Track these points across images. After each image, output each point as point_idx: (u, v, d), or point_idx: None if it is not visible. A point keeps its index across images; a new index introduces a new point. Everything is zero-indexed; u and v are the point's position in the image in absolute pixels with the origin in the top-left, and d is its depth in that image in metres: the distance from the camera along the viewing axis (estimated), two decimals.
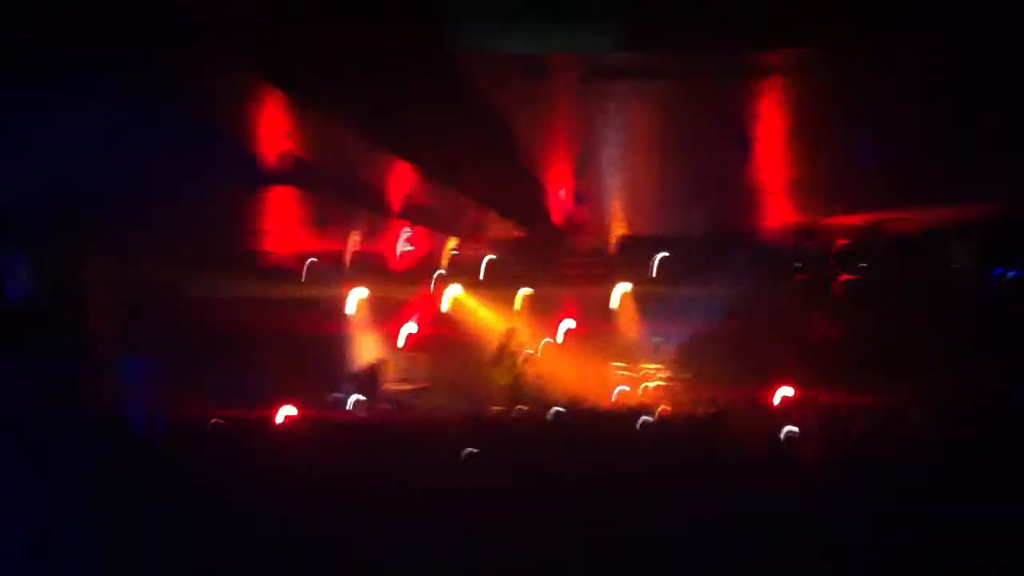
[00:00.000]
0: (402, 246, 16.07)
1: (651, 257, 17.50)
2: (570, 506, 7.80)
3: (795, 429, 10.22)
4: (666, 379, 17.34)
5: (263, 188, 10.46)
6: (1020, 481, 7.45)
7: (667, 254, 17.48)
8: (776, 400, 13.14)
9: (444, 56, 5.98)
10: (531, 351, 18.00)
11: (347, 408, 15.86)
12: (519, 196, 12.02)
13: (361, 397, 16.61)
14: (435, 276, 17.70)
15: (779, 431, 10.21)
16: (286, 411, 13.78)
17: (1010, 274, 14.88)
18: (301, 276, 17.03)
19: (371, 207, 11.76)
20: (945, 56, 6.49)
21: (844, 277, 15.64)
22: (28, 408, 9.89)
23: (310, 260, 17.11)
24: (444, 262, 17.78)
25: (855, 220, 14.80)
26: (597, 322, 18.59)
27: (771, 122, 8.44)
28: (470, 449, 9.53)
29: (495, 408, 12.13)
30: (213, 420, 12.31)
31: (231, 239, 14.78)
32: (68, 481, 8.19)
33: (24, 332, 11.15)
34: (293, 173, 9.45)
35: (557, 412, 11.74)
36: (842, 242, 15.38)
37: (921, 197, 12.71)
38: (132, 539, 7.60)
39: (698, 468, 8.48)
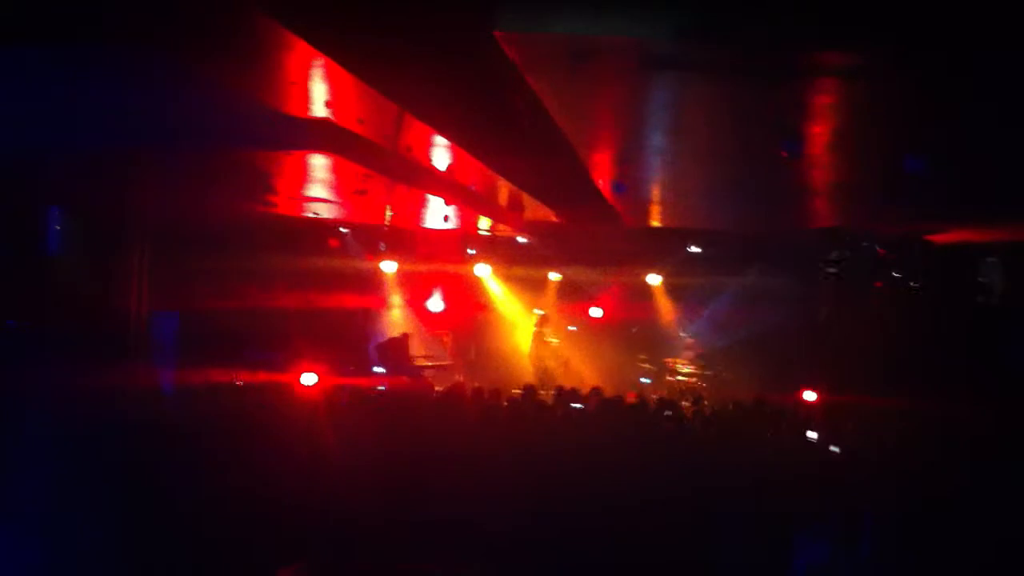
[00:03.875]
0: (436, 222, 16.01)
1: (685, 250, 17.35)
2: (583, 496, 7.71)
3: (815, 435, 10.08)
4: (690, 375, 17.23)
5: (299, 153, 10.41)
6: None
7: (701, 249, 17.32)
8: (802, 403, 12.97)
9: (491, 35, 5.88)
10: (556, 338, 17.97)
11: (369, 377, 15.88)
12: (558, 180, 11.91)
13: (382, 369, 16.64)
14: (467, 255, 17.65)
15: (803, 435, 10.09)
16: (308, 377, 13.80)
17: None
18: (332, 246, 17.03)
19: (408, 181, 11.68)
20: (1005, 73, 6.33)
21: (879, 285, 15.40)
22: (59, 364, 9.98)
23: (342, 230, 17.10)
24: (477, 242, 17.73)
25: (896, 229, 14.59)
26: (625, 313, 18.52)
27: (821, 124, 8.29)
28: None
29: (515, 391, 12.07)
30: (238, 382, 12.38)
31: (262, 205, 14.77)
32: (96, 435, 8.22)
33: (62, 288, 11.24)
34: (331, 140, 9.40)
35: (576, 401, 11.66)
36: (881, 251, 15.15)
37: (965, 211, 12.52)
38: (156, 496, 7.65)
39: (720, 467, 8.35)
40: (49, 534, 7.46)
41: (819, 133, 8.50)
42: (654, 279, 18.59)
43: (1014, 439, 8.79)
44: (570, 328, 18.35)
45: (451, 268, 18.33)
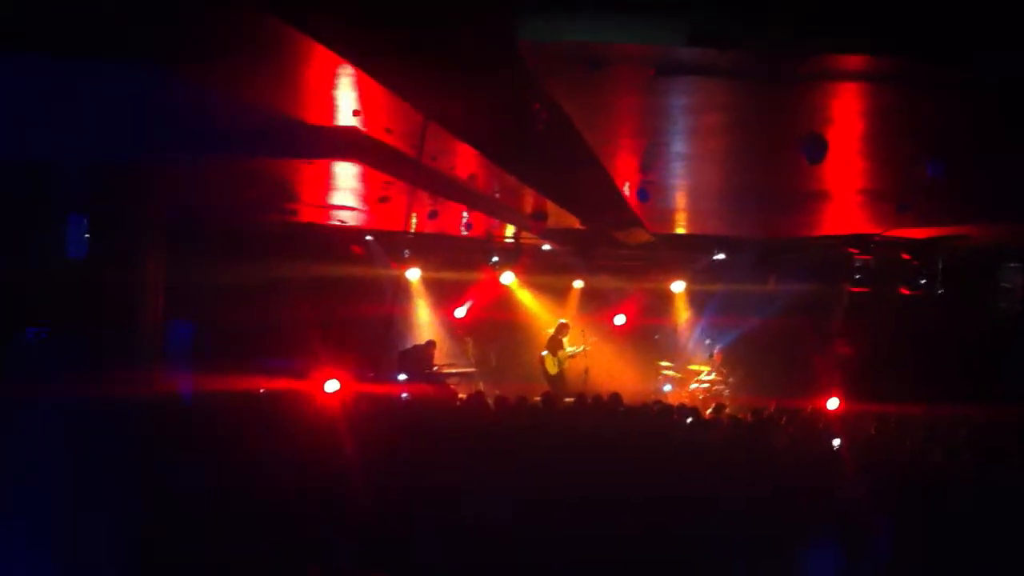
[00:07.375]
0: (460, 230, 16.10)
1: (709, 257, 17.37)
2: (604, 504, 7.72)
3: (838, 442, 10.06)
4: (713, 382, 17.22)
5: (323, 161, 10.51)
6: None
7: (724, 256, 17.33)
8: (826, 410, 12.95)
9: (514, 44, 5.95)
10: (580, 344, 17.97)
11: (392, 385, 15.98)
12: (580, 188, 11.97)
13: (404, 376, 16.72)
14: (491, 262, 17.74)
15: (828, 442, 10.07)
16: (331, 385, 13.89)
17: None
18: (356, 253, 17.14)
19: (432, 189, 11.78)
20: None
21: (904, 291, 15.35)
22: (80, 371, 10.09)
23: (367, 238, 17.21)
24: (500, 249, 17.80)
25: (920, 234, 14.56)
26: (648, 319, 18.55)
27: (841, 129, 8.31)
28: None
29: (536, 398, 12.12)
30: (261, 390, 12.48)
31: (285, 213, 14.89)
32: (111, 444, 8.31)
33: (79, 295, 11.35)
34: (358, 149, 9.50)
35: (601, 406, 11.68)
36: (905, 256, 15.09)
37: (987, 215, 12.48)
38: (173, 505, 7.73)
39: (741, 474, 8.36)
40: (64, 542, 7.55)
41: (839, 138, 8.50)
42: (677, 286, 18.61)
43: None
44: (592, 338, 18.33)
45: (475, 276, 18.39)
